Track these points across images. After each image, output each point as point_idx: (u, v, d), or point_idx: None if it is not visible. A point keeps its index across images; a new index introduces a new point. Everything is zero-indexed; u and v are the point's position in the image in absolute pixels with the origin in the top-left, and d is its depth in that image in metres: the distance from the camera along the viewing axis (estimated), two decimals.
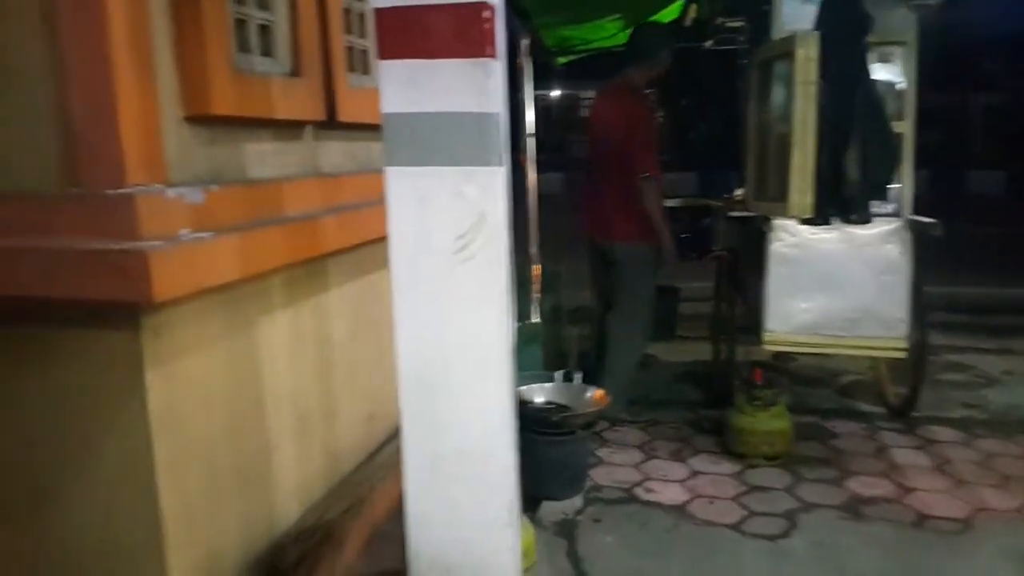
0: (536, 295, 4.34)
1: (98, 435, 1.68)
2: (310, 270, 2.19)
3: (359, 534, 2.07)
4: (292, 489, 2.16)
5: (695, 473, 3.21)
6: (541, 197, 4.56)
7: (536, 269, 4.41)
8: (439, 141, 1.58)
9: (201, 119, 1.75)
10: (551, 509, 2.84)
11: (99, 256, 1.46)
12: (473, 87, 1.55)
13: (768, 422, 3.24)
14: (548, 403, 3.04)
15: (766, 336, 3.33)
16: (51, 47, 1.56)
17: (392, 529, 2.02)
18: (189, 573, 1.73)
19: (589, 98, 4.76)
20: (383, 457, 2.52)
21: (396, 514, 2.05)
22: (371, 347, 2.58)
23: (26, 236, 1.57)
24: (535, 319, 4.29)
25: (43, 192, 1.60)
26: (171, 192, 1.60)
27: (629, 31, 3.99)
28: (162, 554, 1.67)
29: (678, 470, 3.24)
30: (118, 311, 1.57)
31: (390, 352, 2.63)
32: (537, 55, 4.50)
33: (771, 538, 2.68)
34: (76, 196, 1.56)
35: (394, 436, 2.68)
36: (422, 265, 1.63)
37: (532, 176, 4.46)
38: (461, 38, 1.53)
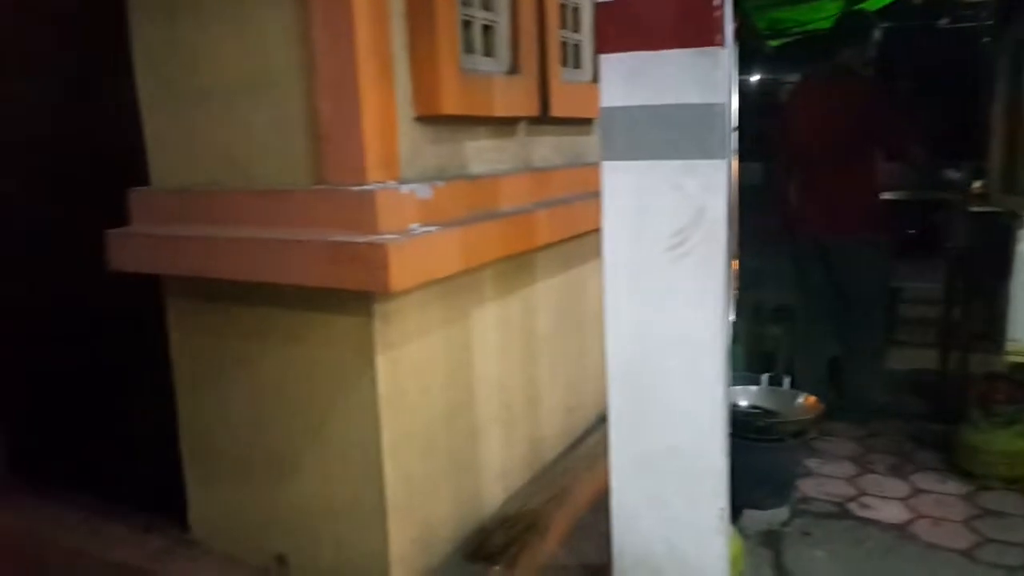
0: (735, 292, 4.18)
1: (332, 410, 1.85)
2: (520, 263, 2.26)
3: (562, 524, 2.12)
4: (497, 475, 2.26)
5: (918, 491, 2.95)
6: (741, 189, 4.37)
7: (735, 265, 4.24)
8: (659, 134, 1.57)
9: (430, 119, 1.86)
10: (755, 518, 2.74)
11: (343, 248, 1.60)
12: (698, 78, 1.53)
13: (1008, 441, 2.92)
14: (753, 407, 2.93)
15: (1011, 346, 2.99)
16: (302, 58, 1.72)
17: (594, 522, 2.04)
18: (407, 543, 1.86)
19: (790, 83, 4.50)
20: (585, 449, 2.56)
21: (599, 507, 2.08)
22: (573, 340, 2.63)
23: (279, 228, 1.75)
24: (733, 317, 4.14)
25: (294, 188, 1.78)
26: (404, 188, 1.73)
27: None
28: (384, 523, 1.81)
29: (898, 487, 2.99)
30: (355, 298, 1.72)
31: (592, 346, 2.69)
32: (746, 39, 4.34)
33: (1010, 569, 2.42)
34: (323, 192, 1.72)
35: (594, 428, 2.74)
36: (636, 260, 1.62)
37: (734, 168, 4.29)
38: (687, 27, 1.51)
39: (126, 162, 2.05)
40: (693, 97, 1.54)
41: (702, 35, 1.50)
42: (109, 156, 2.16)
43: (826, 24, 4.61)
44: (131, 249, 1.93)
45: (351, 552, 1.87)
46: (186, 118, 1.92)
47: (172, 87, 1.93)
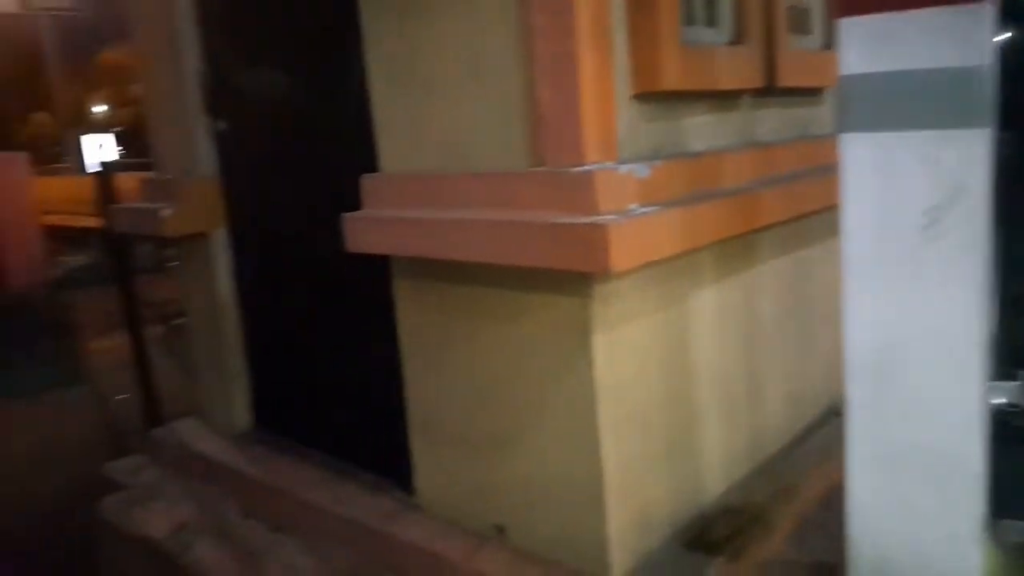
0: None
1: (550, 388, 1.89)
2: (741, 245, 2.17)
3: (789, 520, 2.03)
4: (716, 464, 2.20)
5: None
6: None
7: None
8: (909, 102, 1.43)
9: (648, 96, 1.83)
10: (1012, 529, 2.48)
11: (564, 229, 1.62)
12: (956, 39, 1.37)
13: None
14: (1010, 405, 2.63)
15: None
16: (520, 42, 1.75)
17: (824, 519, 1.94)
18: (625, 526, 1.87)
19: None
20: (813, 442, 2.43)
21: (829, 504, 1.97)
22: (799, 327, 2.49)
23: (499, 210, 1.80)
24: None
25: (512, 170, 1.82)
26: (623, 168, 1.71)
27: None
28: (603, 504, 1.83)
29: None
30: (573, 279, 1.73)
31: (820, 333, 2.54)
32: None
33: None
34: (542, 175, 1.74)
35: (821, 421, 2.59)
36: (881, 242, 1.50)
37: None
38: None
39: (361, 149, 2.20)
40: (951, 60, 1.38)
41: None
42: (347, 143, 2.33)
43: None
44: (363, 231, 2.07)
45: (569, 528, 1.91)
46: (412, 107, 2.02)
47: (399, 78, 2.04)
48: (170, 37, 2.75)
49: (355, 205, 2.12)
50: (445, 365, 2.13)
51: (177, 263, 3.19)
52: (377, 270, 2.21)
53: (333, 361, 2.65)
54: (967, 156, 1.40)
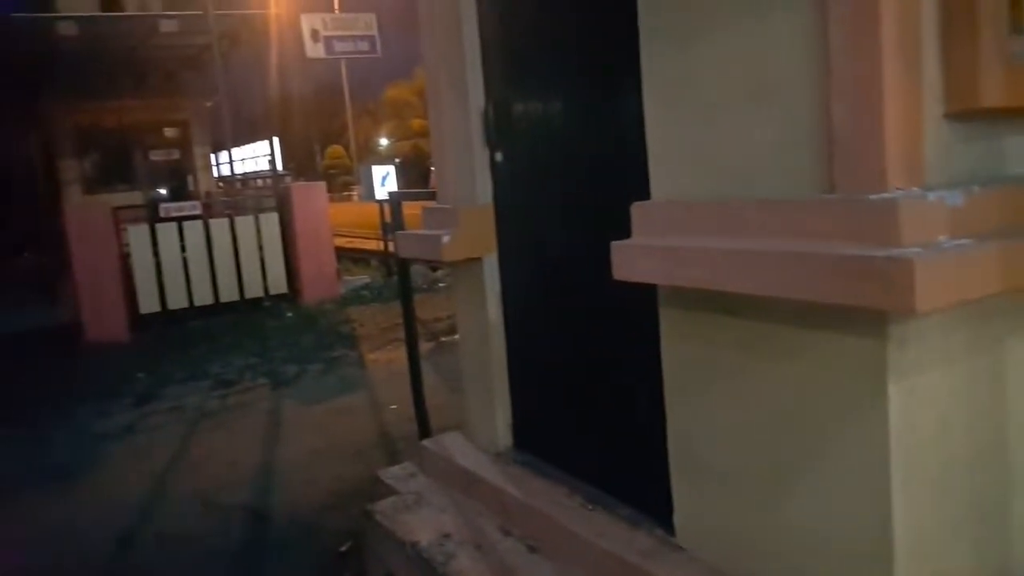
0: None
1: (833, 435, 1.74)
2: None
3: None
4: None
5: None
6: None
7: None
8: None
9: (963, 114, 1.64)
10: None
11: (860, 263, 1.49)
12: None
13: None
14: None
15: None
16: (814, 61, 1.65)
17: None
18: None
19: None
20: None
21: None
22: None
23: (784, 240, 1.70)
24: None
25: (800, 198, 1.72)
26: (931, 196, 1.54)
27: None
28: (891, 570, 1.64)
29: None
30: (866, 317, 1.59)
31: None
32: None
33: None
34: (833, 202, 1.62)
35: None
36: None
37: None
38: None
39: (631, 177, 2.21)
40: None
41: None
42: (617, 170, 2.36)
43: None
44: (633, 259, 2.06)
45: None
46: (688, 132, 1.99)
47: (676, 102, 2.02)
48: (457, 77, 2.98)
49: (623, 233, 2.13)
50: (712, 400, 2.06)
51: (444, 284, 3.42)
52: (643, 299, 2.19)
53: (594, 388, 2.68)
54: None
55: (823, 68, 1.63)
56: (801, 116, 1.71)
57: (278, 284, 9.03)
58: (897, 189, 1.54)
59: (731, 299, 1.87)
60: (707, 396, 2.07)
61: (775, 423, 1.88)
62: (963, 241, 1.53)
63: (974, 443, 1.75)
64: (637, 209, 2.13)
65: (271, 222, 9.01)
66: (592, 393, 2.69)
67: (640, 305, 2.23)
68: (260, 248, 8.89)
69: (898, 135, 1.55)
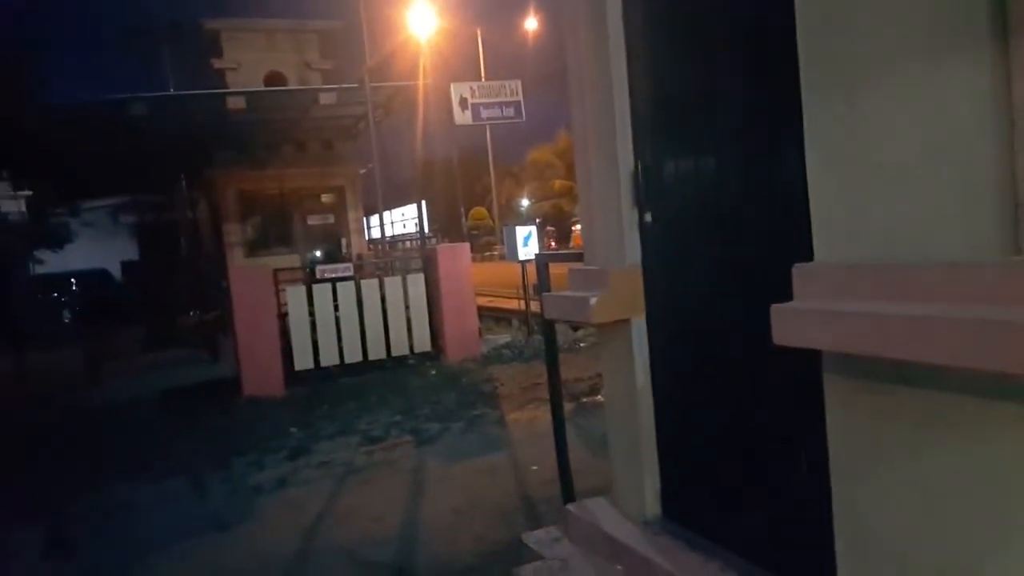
0: None
1: (1010, 523, 1.60)
2: None
3: None
4: None
5: None
6: None
7: None
8: None
9: None
10: None
11: None
12: None
13: None
14: None
15: None
16: (996, 116, 1.58)
17: None
18: None
19: None
20: None
21: None
22: None
23: (963, 305, 1.61)
24: None
25: (982, 260, 1.63)
26: None
27: None
28: None
29: None
30: None
31: None
32: None
33: None
34: (1019, 265, 1.53)
35: None
36: None
37: None
38: None
39: (789, 239, 2.17)
40: None
41: None
42: (774, 233, 2.33)
43: None
44: (796, 323, 2.01)
45: None
46: (856, 191, 1.94)
47: (840, 161, 1.98)
48: (606, 138, 3.05)
49: (779, 297, 2.08)
50: (884, 478, 1.94)
51: (585, 344, 3.44)
52: (802, 366, 2.12)
53: (750, 459, 2.59)
54: None
55: (1006, 121, 1.57)
56: (982, 174, 1.63)
57: (423, 342, 9.34)
58: None
59: (904, 368, 1.78)
60: (879, 471, 1.96)
61: (955, 507, 1.75)
62: None
63: None
64: (799, 271, 2.08)
65: (417, 282, 9.39)
66: (748, 464, 2.60)
67: (801, 372, 2.16)
68: (407, 307, 9.27)
69: None
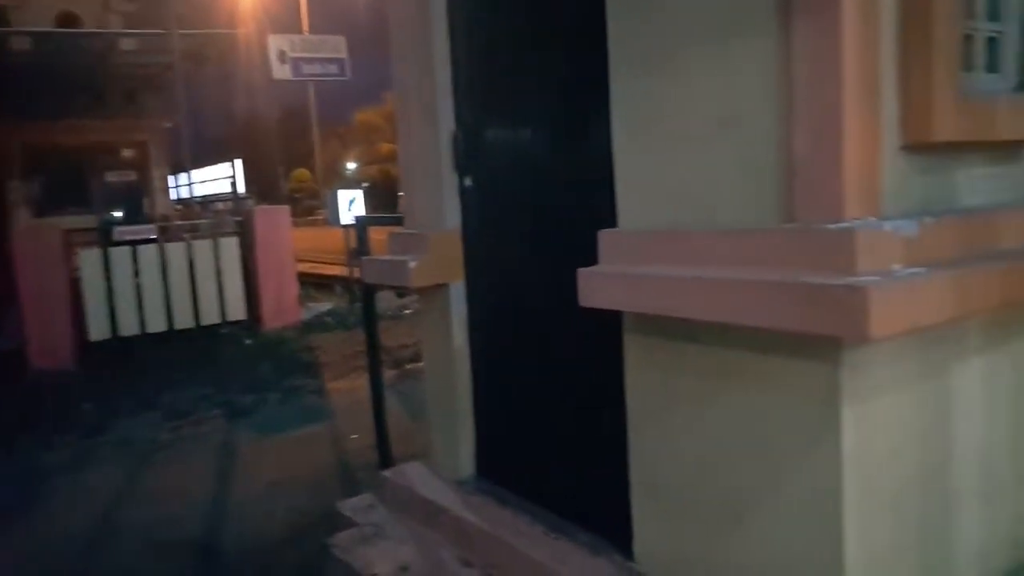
0: None
1: (789, 459, 1.82)
2: (1016, 312, 1.98)
3: None
4: (973, 556, 2.01)
5: None
6: None
7: None
8: None
9: (918, 147, 1.75)
10: None
11: (817, 291, 1.57)
12: None
13: None
14: None
15: None
16: (777, 94, 1.75)
17: None
18: None
19: None
20: None
21: None
22: None
23: (744, 268, 1.79)
24: None
25: (760, 227, 1.81)
26: (887, 225, 1.64)
27: None
28: None
29: None
30: (821, 344, 1.67)
31: None
32: None
33: None
34: (793, 231, 1.71)
35: None
36: None
37: None
38: None
39: (599, 204, 2.29)
40: None
41: None
42: (586, 198, 2.45)
43: None
44: (598, 286, 2.14)
45: None
46: (655, 161, 2.08)
47: (643, 133, 2.11)
48: (427, 102, 3.06)
49: (590, 260, 2.21)
50: (673, 427, 2.12)
51: (410, 311, 3.46)
52: (608, 326, 2.26)
53: (558, 415, 2.73)
54: None
55: (786, 101, 1.74)
56: (764, 147, 1.80)
57: (236, 310, 8.95)
58: (854, 219, 1.64)
59: (693, 327, 1.95)
60: (669, 423, 2.14)
61: (734, 449, 1.95)
62: (916, 270, 1.63)
63: (923, 466, 1.84)
64: (604, 237, 2.21)
65: (231, 246, 8.97)
66: (556, 420, 2.74)
67: (605, 333, 2.30)
68: (219, 273, 8.84)
69: (856, 167, 1.65)
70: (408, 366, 6.83)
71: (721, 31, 1.86)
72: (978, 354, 1.97)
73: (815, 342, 1.68)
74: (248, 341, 8.67)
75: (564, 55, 2.53)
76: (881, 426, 1.75)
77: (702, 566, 2.07)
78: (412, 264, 2.96)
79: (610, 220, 2.24)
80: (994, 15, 1.91)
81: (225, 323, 8.93)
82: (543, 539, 2.59)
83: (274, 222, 9.39)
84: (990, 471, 2.04)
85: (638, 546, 2.30)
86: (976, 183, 1.92)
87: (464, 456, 3.17)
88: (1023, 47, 1.94)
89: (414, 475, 3.33)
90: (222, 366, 7.64)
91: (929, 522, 1.90)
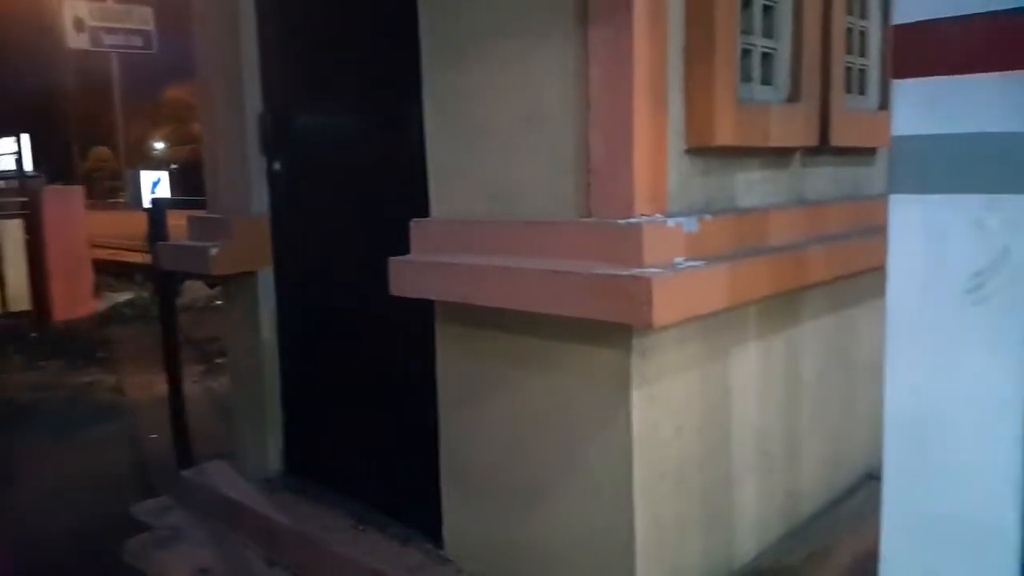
0: None
1: (586, 441, 1.94)
2: (787, 302, 2.23)
3: None
4: (751, 526, 2.23)
5: None
6: None
7: None
8: (958, 166, 1.50)
9: (701, 150, 1.93)
10: None
11: (607, 281, 1.70)
12: (1007, 104, 1.43)
13: None
14: None
15: None
16: (577, 95, 1.87)
17: None
18: None
19: None
20: (849, 507, 2.45)
21: (861, 571, 1.98)
22: (840, 387, 2.53)
23: (545, 259, 1.89)
24: None
25: (561, 219, 1.92)
26: (671, 222, 1.80)
27: None
28: (632, 564, 1.86)
29: None
30: (615, 331, 1.81)
31: (862, 395, 2.56)
32: None
33: None
34: (590, 225, 1.84)
35: (860, 484, 2.60)
36: (924, 304, 1.54)
37: None
38: (998, 51, 1.43)
39: (413, 193, 2.33)
40: (1000, 126, 1.45)
41: (1015, 59, 1.41)
42: (399, 187, 2.47)
43: None
44: (409, 275, 2.18)
45: None
46: (465, 153, 2.15)
47: (455, 124, 2.17)
48: (233, 79, 2.96)
49: (403, 249, 2.24)
50: (481, 413, 2.21)
51: (221, 302, 3.34)
52: (421, 316, 2.31)
53: (369, 407, 2.74)
54: (1014, 221, 1.45)
55: (584, 103, 1.85)
56: (566, 144, 1.91)
57: (20, 300, 8.21)
58: (643, 215, 1.78)
59: (502, 315, 2.04)
60: (479, 410, 2.22)
61: (538, 433, 2.06)
62: (696, 263, 1.80)
63: (705, 443, 2.03)
64: (416, 226, 2.25)
65: (13, 229, 8.21)
66: (367, 412, 2.75)
67: (417, 322, 2.34)
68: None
69: (646, 167, 1.80)
70: (218, 360, 6.55)
71: (526, 31, 1.96)
72: (756, 339, 2.19)
73: (609, 329, 1.81)
74: (34, 334, 7.97)
75: (380, 39, 2.54)
76: (667, 407, 1.92)
77: (507, 548, 2.17)
78: (214, 251, 2.86)
79: (423, 209, 2.28)
80: (769, 32, 2.14)
81: (7, 314, 8.16)
82: (351, 533, 2.60)
83: (66, 204, 8.68)
84: (766, 447, 2.27)
85: (447, 533, 2.36)
86: (752, 185, 2.14)
87: (272, 453, 3.11)
88: (793, 62, 2.18)
89: (217, 474, 3.22)
90: (2, 362, 6.99)
91: (712, 496, 2.09)
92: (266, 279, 3.03)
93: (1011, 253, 1.45)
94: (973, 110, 1.48)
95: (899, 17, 1.54)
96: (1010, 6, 1.43)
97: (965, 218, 1.49)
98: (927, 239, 1.53)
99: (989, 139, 1.47)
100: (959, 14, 1.48)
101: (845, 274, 2.31)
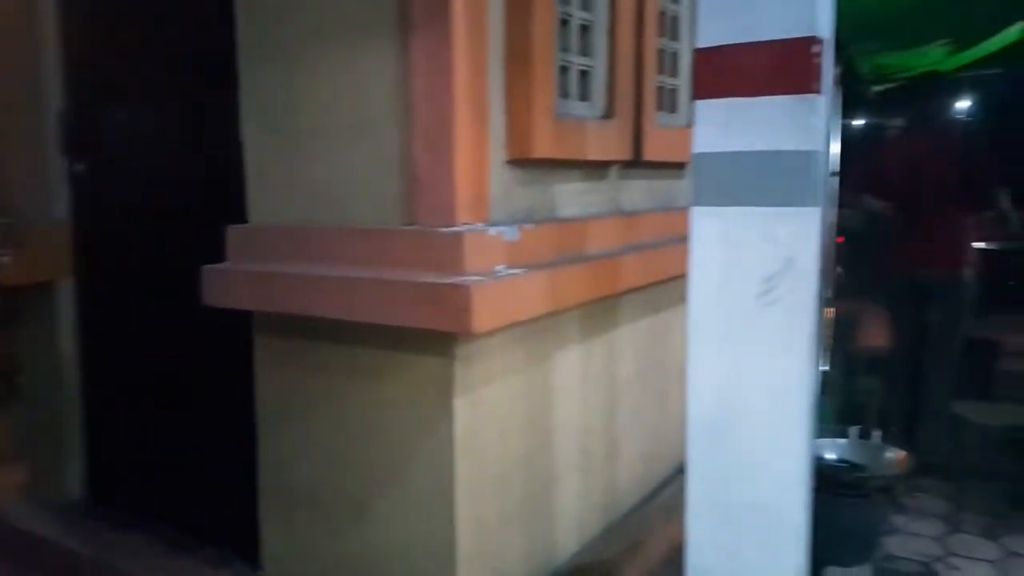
0: (828, 341, 4.19)
1: (410, 450, 1.95)
2: (605, 307, 2.35)
3: None
4: (572, 523, 2.32)
5: (1011, 554, 2.92)
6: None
7: (828, 313, 4.26)
8: (751, 180, 1.64)
9: (522, 162, 1.99)
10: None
11: (428, 289, 1.72)
12: (793, 124, 1.59)
13: None
14: (840, 461, 2.91)
15: None
16: (401, 104, 1.88)
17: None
18: None
19: (894, 128, 4.73)
20: (662, 500, 2.61)
21: (672, 561, 2.12)
22: (655, 386, 2.70)
23: (369, 267, 1.89)
24: (823, 367, 4.15)
25: (385, 227, 1.92)
26: (492, 230, 1.84)
27: (956, 56, 3.92)
28: (454, 570, 1.89)
29: (989, 549, 2.97)
30: (438, 339, 1.83)
31: (673, 393, 2.74)
32: (848, 84, 4.37)
33: None
34: (413, 233, 1.85)
35: (673, 478, 2.79)
36: (722, 307, 1.67)
37: (830, 215, 4.32)
38: (785, 74, 1.57)
39: (228, 198, 2.24)
40: (787, 144, 1.60)
41: (799, 82, 1.57)
42: (213, 192, 2.37)
43: (933, 68, 4.62)
44: (225, 285, 2.10)
45: None
46: (287, 158, 2.10)
47: (275, 128, 2.11)
48: (27, 71, 2.73)
49: (217, 257, 2.16)
50: (302, 427, 2.15)
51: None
52: (237, 327, 2.23)
53: (181, 424, 2.61)
54: (799, 231, 1.61)
55: (407, 111, 1.86)
56: (391, 152, 1.91)
57: None
58: (464, 224, 1.82)
59: (325, 325, 2.00)
60: (300, 424, 2.16)
61: (363, 445, 2.04)
62: (517, 270, 1.86)
63: (527, 445, 2.10)
64: (233, 233, 2.17)
65: None
66: (178, 429, 2.61)
67: (234, 333, 2.25)
68: None
69: (467, 177, 1.83)
70: (18, 380, 5.97)
71: (351, 35, 1.94)
72: (577, 343, 2.29)
73: (433, 337, 1.82)
74: None
75: (189, 38, 2.43)
76: (490, 412, 1.96)
77: (330, 564, 2.13)
78: (5, 259, 2.62)
79: (239, 214, 2.20)
80: (586, 51, 2.25)
81: None
82: (161, 559, 2.46)
83: None
84: (587, 447, 2.37)
85: (266, 553, 2.28)
86: (573, 196, 2.24)
87: (72, 480, 2.88)
88: (609, 81, 2.31)
89: (11, 509, 2.94)
90: None
91: (534, 496, 2.15)
92: (67, 290, 2.81)
93: (796, 261, 1.61)
94: (764, 129, 1.62)
95: (701, 41, 1.67)
96: (798, 34, 1.60)
97: (757, 228, 1.64)
98: (723, 248, 1.67)
99: (777, 156, 1.62)
100: (753, 40, 1.63)
101: (658, 280, 2.47)
